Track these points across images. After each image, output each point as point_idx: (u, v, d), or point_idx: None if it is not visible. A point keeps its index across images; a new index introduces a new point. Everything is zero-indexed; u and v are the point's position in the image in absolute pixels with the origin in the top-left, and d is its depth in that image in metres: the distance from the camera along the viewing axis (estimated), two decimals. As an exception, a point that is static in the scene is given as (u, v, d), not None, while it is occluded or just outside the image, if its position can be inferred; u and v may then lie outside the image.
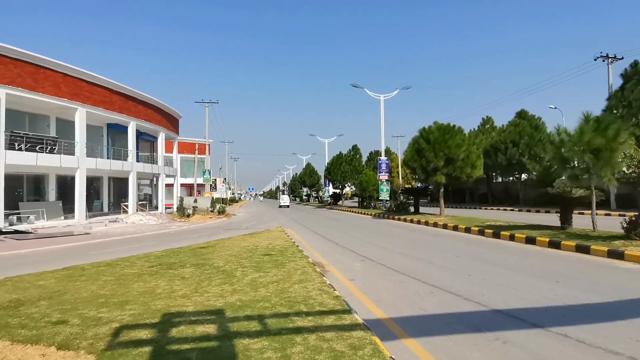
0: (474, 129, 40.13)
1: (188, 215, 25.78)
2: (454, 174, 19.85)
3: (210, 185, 39.74)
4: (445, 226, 16.36)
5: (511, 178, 36.00)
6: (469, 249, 10.60)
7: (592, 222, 11.54)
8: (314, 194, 71.19)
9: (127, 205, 25.68)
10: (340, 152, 47.93)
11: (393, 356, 3.51)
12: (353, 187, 48.86)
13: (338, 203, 47.32)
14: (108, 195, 28.39)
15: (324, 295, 5.50)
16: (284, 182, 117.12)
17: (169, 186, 35.73)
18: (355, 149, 48.87)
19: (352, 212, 31.94)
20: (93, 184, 26.31)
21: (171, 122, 33.05)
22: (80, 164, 20.75)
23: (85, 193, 21.25)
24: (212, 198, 32.32)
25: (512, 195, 35.07)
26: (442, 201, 21.38)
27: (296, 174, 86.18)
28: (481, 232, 13.66)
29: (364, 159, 53.44)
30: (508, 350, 3.84)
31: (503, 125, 36.02)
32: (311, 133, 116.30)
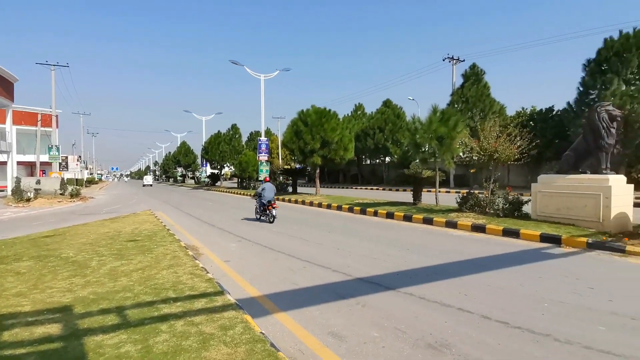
0: (348, 114, 43.13)
1: (28, 200, 21.49)
2: (329, 155, 21.05)
3: (60, 163, 33.69)
4: (320, 205, 17.35)
5: (378, 160, 40.10)
6: (340, 225, 11.49)
7: (436, 198, 13.72)
8: (190, 174, 66.97)
9: None
10: (218, 131, 45.95)
11: (263, 331, 3.59)
12: (232, 167, 47.64)
13: (216, 184, 45.61)
14: None
15: (195, 279, 5.27)
16: (156, 161, 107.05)
17: (1, 164, 29.05)
18: (234, 128, 47.50)
19: (231, 193, 31.22)
20: None
21: (3, 85, 26.60)
22: None
23: None
24: (63, 179, 27.51)
25: (378, 176, 39.19)
26: (318, 182, 22.57)
27: (169, 152, 79.48)
28: (351, 210, 14.93)
29: (244, 139, 52.50)
30: (365, 312, 4.33)
31: (372, 113, 39.59)
32: (187, 109, 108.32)
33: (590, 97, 20.63)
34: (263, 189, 12.16)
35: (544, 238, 8.08)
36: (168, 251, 7.22)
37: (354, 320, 4.09)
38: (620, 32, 19.76)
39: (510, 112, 28.59)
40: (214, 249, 8.19)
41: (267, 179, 13.11)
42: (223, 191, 34.25)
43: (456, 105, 28.57)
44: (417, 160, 14.82)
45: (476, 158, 12.11)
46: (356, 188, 34.04)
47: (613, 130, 8.61)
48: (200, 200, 23.58)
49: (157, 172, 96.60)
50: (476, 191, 12.38)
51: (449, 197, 17.92)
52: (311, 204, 18.18)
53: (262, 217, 12.45)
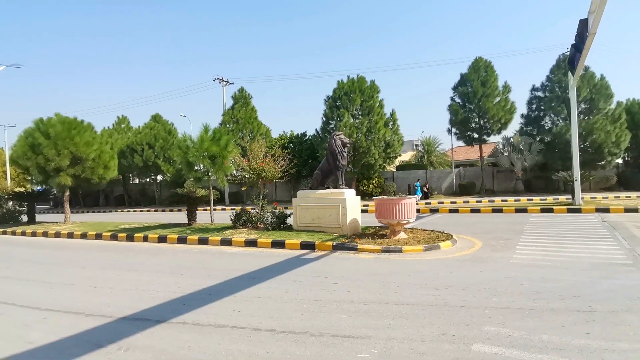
0: (109, 127, 37.72)
1: None
2: (83, 175, 17.65)
3: None
4: (71, 235, 14.24)
5: (148, 179, 36.74)
6: (99, 257, 9.76)
7: (211, 217, 13.75)
8: None
9: None
10: None
11: None
12: None
13: None
14: None
15: None
16: None
17: None
18: None
19: None
20: None
21: None
22: None
23: None
24: None
25: (149, 196, 35.91)
26: (67, 206, 18.51)
27: None
28: (114, 237, 12.96)
29: (-58, 152, 37.41)
30: (129, 356, 3.78)
31: (139, 127, 36.06)
32: None
33: (330, 126, 25.85)
34: None
35: (303, 245, 9.39)
36: None
37: (114, 370, 3.50)
38: (348, 77, 25.84)
39: (275, 134, 32.23)
40: None
41: None
42: None
43: (228, 125, 29.83)
44: (192, 179, 14.48)
45: (247, 176, 12.92)
46: (122, 211, 30.02)
47: (345, 154, 11.02)
48: None
49: None
50: (248, 207, 13.17)
51: (224, 215, 18.31)
52: (58, 235, 14.69)
53: None
